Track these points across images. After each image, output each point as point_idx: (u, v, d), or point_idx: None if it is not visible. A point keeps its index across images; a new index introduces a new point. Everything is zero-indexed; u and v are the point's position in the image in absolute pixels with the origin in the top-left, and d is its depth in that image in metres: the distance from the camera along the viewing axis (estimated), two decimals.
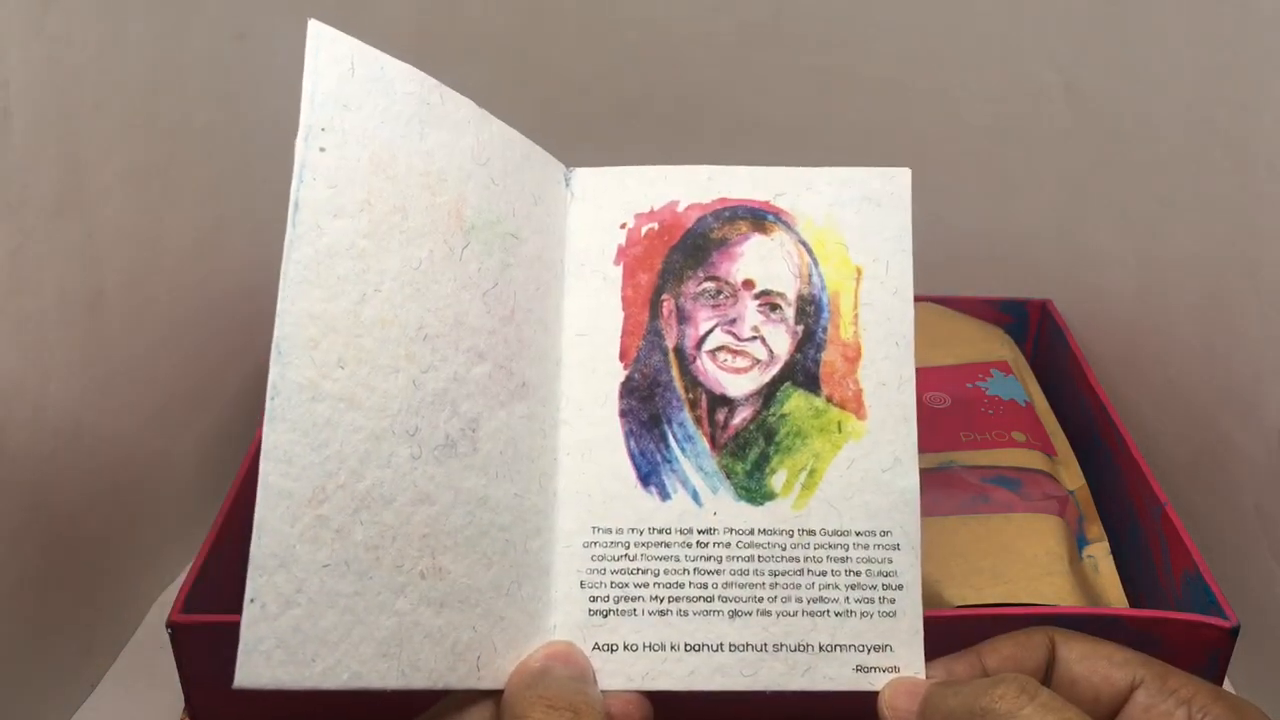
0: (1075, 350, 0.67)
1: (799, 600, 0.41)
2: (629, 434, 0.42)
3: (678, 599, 0.41)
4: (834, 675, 0.41)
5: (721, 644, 0.40)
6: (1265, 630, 0.56)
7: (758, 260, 0.44)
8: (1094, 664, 0.39)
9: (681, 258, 0.44)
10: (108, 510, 0.58)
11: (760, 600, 0.41)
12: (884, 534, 0.42)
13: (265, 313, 0.35)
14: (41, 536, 0.53)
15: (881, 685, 0.40)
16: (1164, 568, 0.53)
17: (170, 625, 0.45)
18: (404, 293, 0.38)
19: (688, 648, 0.40)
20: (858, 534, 0.42)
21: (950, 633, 0.41)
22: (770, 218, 0.45)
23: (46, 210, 0.51)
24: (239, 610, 0.34)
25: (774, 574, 0.41)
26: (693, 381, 0.43)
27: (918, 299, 0.44)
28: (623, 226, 0.45)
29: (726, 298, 0.44)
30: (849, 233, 0.44)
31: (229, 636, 0.34)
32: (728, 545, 0.41)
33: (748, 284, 0.44)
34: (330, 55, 0.37)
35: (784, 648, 0.41)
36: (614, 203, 0.45)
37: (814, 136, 0.75)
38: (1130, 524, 0.57)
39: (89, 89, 0.53)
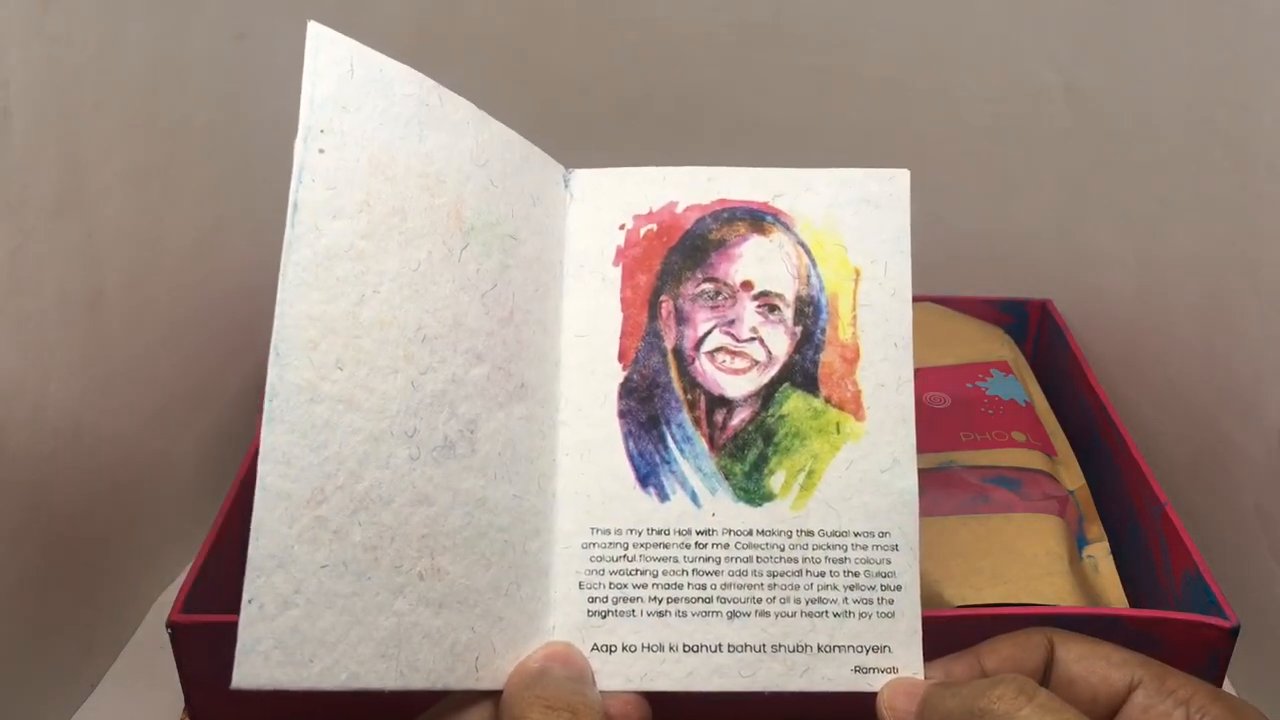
0: (1075, 350, 0.67)
1: (797, 601, 0.41)
2: (628, 435, 0.42)
3: (676, 600, 0.41)
4: (832, 676, 0.41)
5: (720, 645, 0.41)
6: (1265, 630, 0.56)
7: (756, 261, 0.44)
8: (1092, 664, 0.39)
9: (680, 259, 0.44)
10: (108, 510, 0.58)
11: (759, 601, 0.41)
12: (882, 535, 0.42)
13: (265, 313, 0.35)
14: (41, 536, 0.53)
15: (880, 686, 0.40)
16: (1164, 568, 0.53)
17: (170, 625, 0.45)
18: (403, 294, 0.38)
19: (686, 648, 0.40)
20: (856, 535, 0.42)
21: (950, 633, 0.41)
22: (769, 219, 0.45)
23: (46, 210, 0.51)
24: (239, 610, 0.34)
25: (772, 575, 0.41)
26: (691, 382, 0.43)
27: (917, 299, 0.44)
28: (621, 228, 0.45)
29: (725, 299, 0.44)
30: (848, 234, 0.44)
31: (229, 636, 0.34)
32: (726, 546, 0.41)
33: (746, 285, 0.44)
34: (329, 57, 0.37)
35: (782, 648, 0.41)
36: (613, 204, 0.45)
37: (814, 136, 0.75)
38: (1130, 524, 0.57)
39: (89, 89, 0.53)
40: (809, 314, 0.44)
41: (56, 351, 0.53)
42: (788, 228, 0.44)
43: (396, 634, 0.36)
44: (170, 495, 0.64)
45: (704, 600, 0.41)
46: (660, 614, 0.41)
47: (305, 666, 0.34)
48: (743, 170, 0.45)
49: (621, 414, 0.43)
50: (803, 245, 0.44)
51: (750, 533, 0.41)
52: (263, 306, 0.36)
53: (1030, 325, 0.74)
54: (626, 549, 0.41)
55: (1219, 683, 0.46)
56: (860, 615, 0.41)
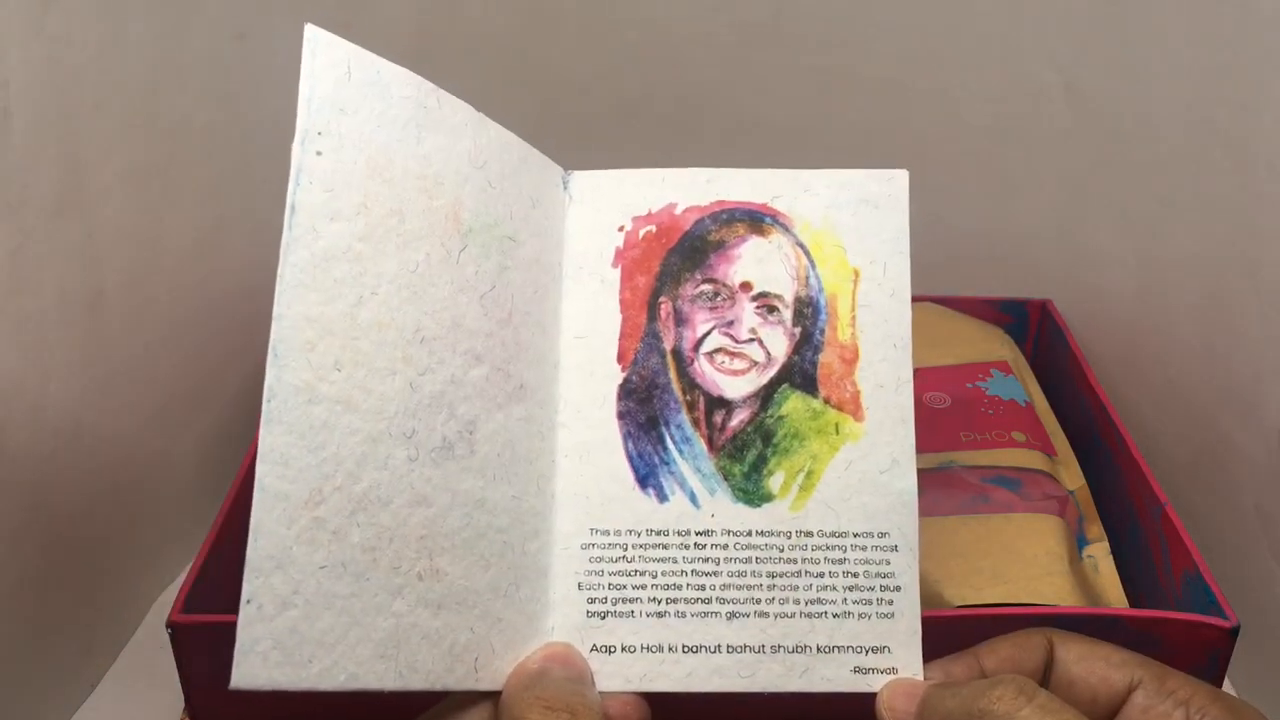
0: (1075, 350, 0.67)
1: (797, 602, 0.41)
2: (627, 436, 0.42)
3: (675, 600, 0.41)
4: (832, 676, 0.41)
5: (719, 645, 0.41)
6: (1265, 630, 0.56)
7: (755, 262, 0.44)
8: (1092, 665, 0.39)
9: (679, 260, 0.44)
10: (108, 510, 0.58)
11: (758, 602, 0.41)
12: (882, 535, 0.42)
13: (265, 313, 0.35)
14: (41, 536, 0.53)
15: (879, 687, 0.40)
16: (1164, 568, 0.53)
17: (170, 625, 0.45)
18: (401, 295, 0.38)
19: (685, 649, 0.40)
20: (855, 535, 0.42)
21: (950, 633, 0.41)
22: (768, 220, 0.45)
23: (46, 210, 0.51)
24: (238, 610, 0.34)
25: (771, 575, 0.41)
26: (690, 384, 0.43)
27: (917, 299, 0.44)
28: (620, 229, 0.45)
29: (724, 300, 0.44)
30: (847, 235, 0.44)
31: (228, 636, 0.34)
32: (725, 547, 0.41)
33: (745, 286, 0.44)
34: (327, 59, 0.37)
35: (782, 649, 0.41)
36: (612, 205, 0.45)
37: (814, 136, 0.75)
38: (1130, 524, 0.57)
39: (89, 89, 0.53)
40: (808, 315, 0.44)
41: (56, 351, 0.53)
42: (786, 229, 0.44)
43: (395, 635, 0.36)
44: (170, 495, 0.64)
45: (703, 601, 0.41)
46: (659, 615, 0.41)
47: (304, 667, 0.34)
48: (741, 171, 0.45)
49: (620, 415, 0.43)
50: (801, 246, 0.44)
51: (749, 533, 0.41)
52: (263, 306, 0.36)
53: (1030, 325, 0.74)
54: (625, 550, 0.41)
55: (1219, 683, 0.46)
56: (859, 616, 0.41)
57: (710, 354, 0.43)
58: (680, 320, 0.44)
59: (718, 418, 0.43)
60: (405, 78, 0.39)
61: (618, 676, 0.40)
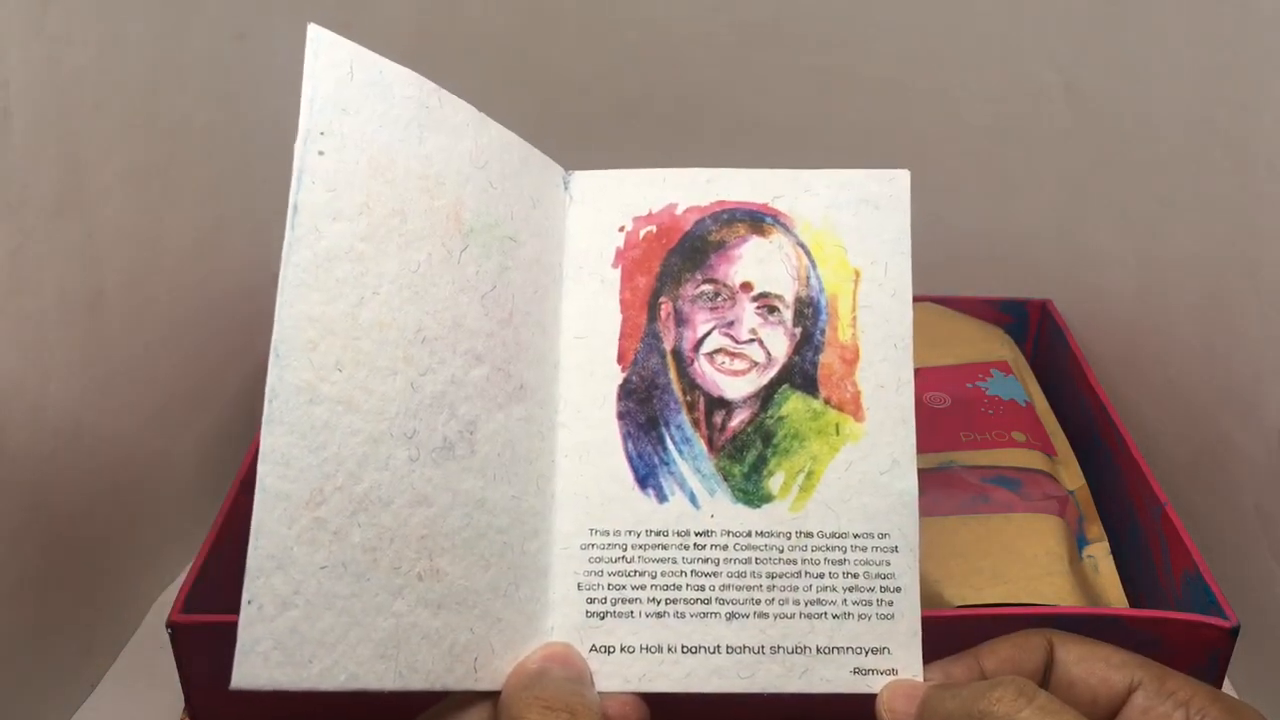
0: (1075, 350, 0.67)
1: (796, 602, 0.41)
2: (627, 436, 0.42)
3: (675, 601, 0.41)
4: (831, 677, 0.41)
5: (719, 646, 0.41)
6: (1265, 630, 0.56)
7: (756, 263, 0.44)
8: (1092, 666, 0.39)
9: (679, 260, 0.44)
10: (108, 510, 0.58)
11: (758, 602, 0.41)
12: (882, 536, 0.42)
13: (265, 313, 0.35)
14: (41, 536, 0.53)
15: (879, 688, 0.40)
16: (1164, 568, 0.53)
17: (170, 625, 0.45)
18: (402, 295, 0.38)
19: (685, 649, 0.40)
20: (855, 536, 0.42)
21: (950, 633, 0.41)
22: (768, 220, 0.45)
23: (46, 210, 0.51)
24: (239, 610, 0.34)
25: (771, 576, 0.41)
26: (690, 384, 0.43)
27: (917, 299, 0.44)
28: (621, 229, 0.45)
29: (724, 300, 0.44)
30: (847, 235, 0.44)
31: (229, 637, 0.34)
32: (725, 547, 0.41)
33: (746, 286, 0.44)
34: (329, 59, 0.37)
35: (781, 650, 0.41)
36: (612, 205, 0.45)
37: (814, 136, 0.75)
38: (1130, 524, 0.57)
39: (89, 89, 0.53)
40: (808, 315, 0.44)
41: (56, 351, 0.53)
42: (787, 229, 0.44)
43: (395, 635, 0.36)
44: (170, 495, 0.64)
45: (703, 601, 0.41)
46: (659, 615, 0.41)
47: (304, 667, 0.34)
48: (742, 171, 0.45)
49: (620, 415, 0.43)
50: (802, 246, 0.44)
51: (749, 534, 0.41)
52: (263, 306, 0.36)
53: (1030, 325, 0.74)
54: (625, 550, 0.41)
55: (1219, 683, 0.46)
56: (859, 617, 0.41)
57: (710, 354, 0.43)
58: (680, 320, 0.44)
59: (718, 418, 0.43)
60: (407, 78, 0.39)
61: (617, 677, 0.40)
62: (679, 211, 0.45)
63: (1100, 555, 0.57)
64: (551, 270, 0.44)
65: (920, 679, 0.40)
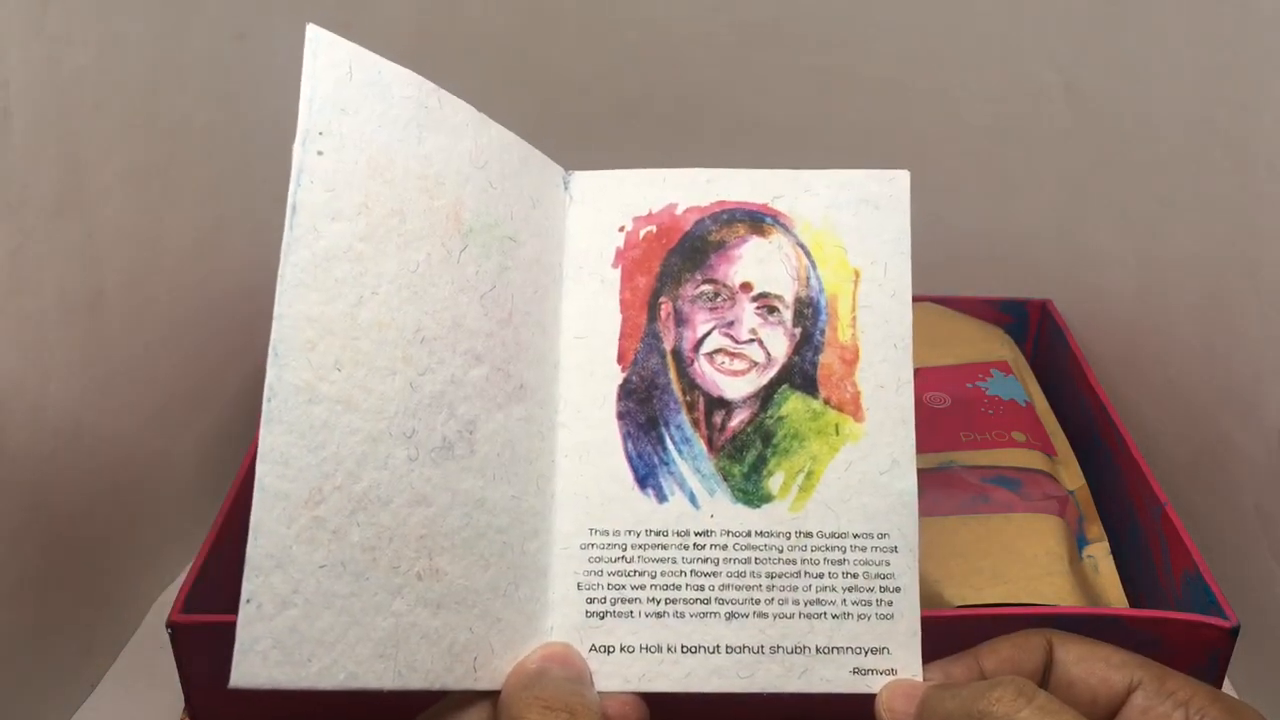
0: (1075, 350, 0.67)
1: (796, 602, 0.41)
2: (626, 436, 0.42)
3: (675, 601, 0.41)
4: (831, 677, 0.41)
5: (718, 646, 0.41)
6: (1265, 630, 0.56)
7: (755, 263, 0.44)
8: (1091, 666, 0.39)
9: (679, 260, 0.44)
10: (108, 510, 0.58)
11: (757, 602, 0.41)
12: (881, 536, 0.42)
13: (265, 313, 0.35)
14: (41, 536, 0.53)
15: (879, 688, 0.40)
16: (1164, 568, 0.53)
17: (170, 625, 0.45)
18: (401, 295, 0.38)
19: (684, 649, 0.40)
20: (855, 536, 0.42)
21: (950, 633, 0.41)
22: (768, 220, 0.45)
23: (46, 210, 0.51)
24: (238, 610, 0.34)
25: (771, 576, 0.41)
26: (690, 384, 0.43)
27: (917, 299, 0.44)
28: (621, 229, 0.45)
29: (724, 300, 0.44)
30: (847, 235, 0.44)
31: (229, 636, 0.34)
32: (725, 547, 0.41)
33: (745, 286, 0.44)
34: (328, 59, 0.37)
35: (781, 650, 0.41)
36: (612, 206, 0.45)
37: (814, 136, 0.75)
38: (1130, 524, 0.57)
39: (89, 89, 0.53)
40: (808, 315, 0.44)
41: (56, 351, 0.53)
42: (787, 229, 0.44)
43: (394, 634, 0.36)
44: (170, 495, 0.64)
45: (702, 601, 0.41)
46: (658, 615, 0.41)
47: (303, 666, 0.34)
48: (742, 172, 0.45)
49: (620, 415, 0.43)
50: (802, 247, 0.44)
51: (749, 534, 0.41)
52: (263, 306, 0.36)
53: (1030, 325, 0.74)
54: (625, 550, 0.41)
55: (1219, 683, 0.46)
56: (859, 617, 0.41)
57: (710, 354, 0.43)
58: (680, 320, 0.44)
59: (717, 418, 0.43)
60: (406, 78, 0.39)
61: (616, 676, 0.40)
62: (679, 211, 0.45)
63: (1100, 555, 0.57)
64: (551, 270, 0.44)
65: (920, 679, 0.40)
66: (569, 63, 0.75)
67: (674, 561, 0.41)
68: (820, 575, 0.41)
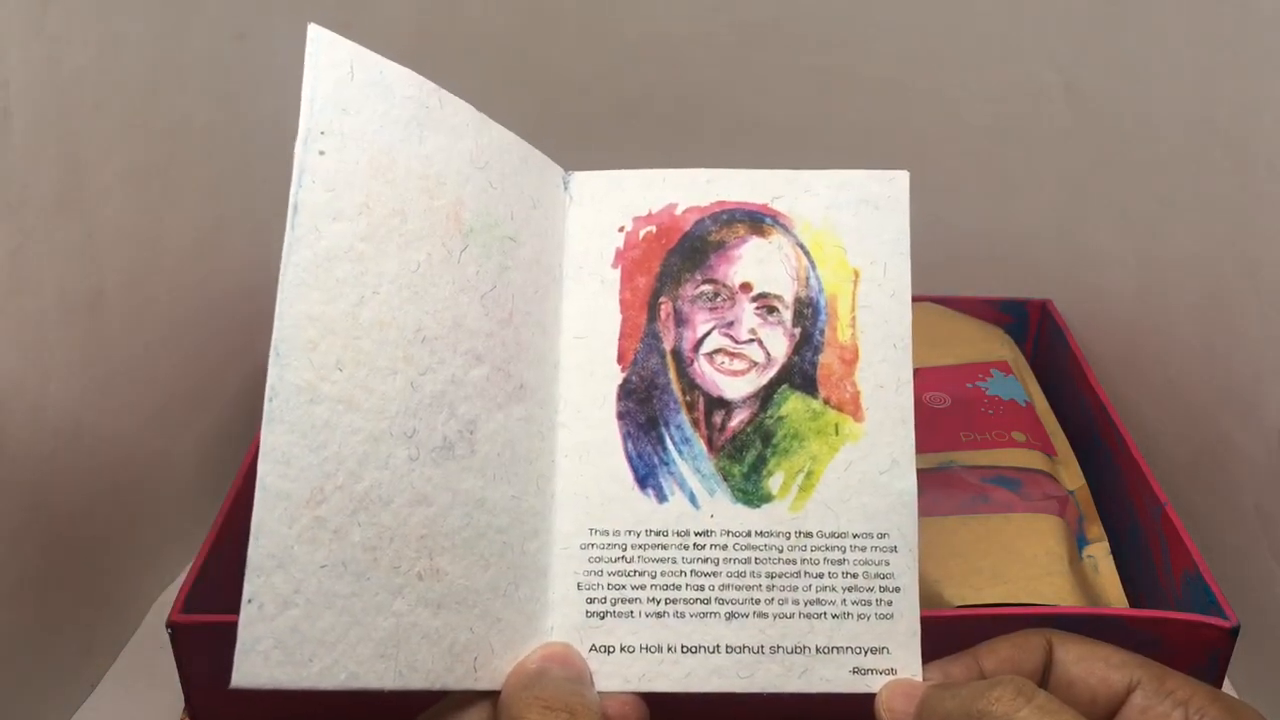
0: (1075, 350, 0.67)
1: (796, 602, 0.41)
2: (626, 436, 0.42)
3: (675, 601, 0.41)
4: (830, 677, 0.41)
5: (718, 646, 0.41)
6: (1265, 630, 0.56)
7: (755, 263, 0.44)
8: (1091, 666, 0.39)
9: (679, 260, 0.44)
10: (108, 510, 0.58)
11: (757, 602, 0.41)
12: (881, 536, 0.42)
13: (265, 313, 0.35)
14: (41, 536, 0.53)
15: (878, 687, 0.40)
16: (1164, 568, 0.53)
17: (170, 625, 0.45)
18: (402, 295, 0.38)
19: (684, 649, 0.40)
20: (855, 536, 0.42)
21: (949, 633, 0.41)
22: (768, 220, 0.45)
23: (46, 210, 0.51)
24: (239, 610, 0.34)
25: (771, 576, 0.41)
26: (690, 384, 0.43)
27: (917, 299, 0.44)
28: (621, 230, 0.45)
29: (724, 300, 0.44)
30: (847, 235, 0.44)
31: (229, 636, 0.34)
32: (725, 547, 0.41)
33: (745, 287, 0.44)
34: (329, 59, 0.37)
35: (781, 649, 0.41)
36: (612, 206, 0.45)
37: (814, 136, 0.75)
38: (1130, 524, 0.57)
39: (89, 89, 0.53)
40: (808, 315, 0.44)
41: (56, 351, 0.53)
42: (787, 229, 0.44)
43: (395, 634, 0.36)
44: (170, 495, 0.64)
45: (702, 601, 0.41)
46: (658, 615, 0.41)
47: (304, 666, 0.34)
48: (741, 172, 0.45)
49: (620, 415, 0.43)
50: (802, 247, 0.44)
51: (749, 534, 0.41)
52: (263, 306, 0.36)
53: (1030, 325, 0.74)
54: (625, 550, 0.41)
55: (1219, 683, 0.46)
56: (859, 616, 0.41)
57: (710, 354, 0.43)
58: (680, 321, 0.44)
59: (717, 418, 0.43)
60: (407, 78, 0.39)
61: (616, 677, 0.40)
62: (679, 212, 0.45)
63: (1100, 555, 0.57)
64: (551, 270, 0.44)
65: (919, 679, 0.40)
66: (569, 63, 0.75)
67: (674, 561, 0.41)
68: (820, 575, 0.41)
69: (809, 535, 0.42)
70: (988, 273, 0.77)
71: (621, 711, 0.39)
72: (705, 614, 0.41)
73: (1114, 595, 0.55)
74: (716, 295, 0.44)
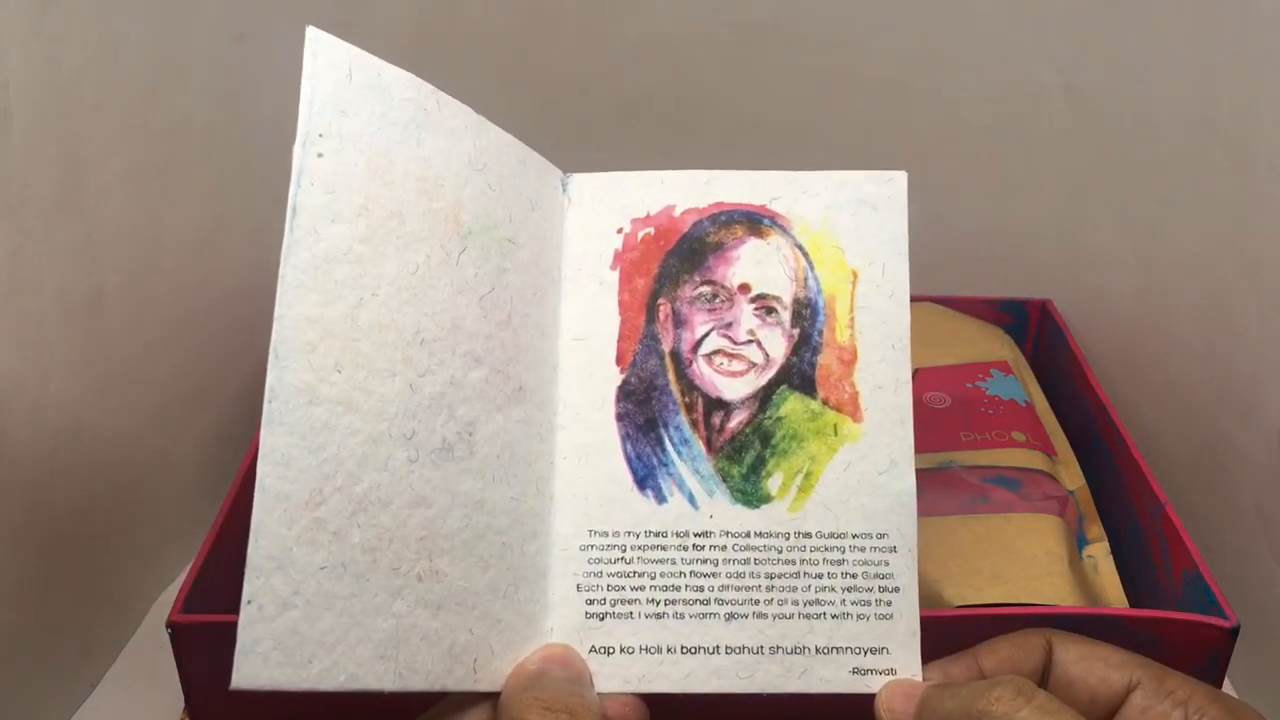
0: (1075, 350, 0.67)
1: (795, 603, 0.41)
2: (625, 438, 0.42)
3: (674, 602, 0.41)
4: (830, 678, 0.41)
5: (718, 646, 0.41)
6: (1265, 630, 0.56)
7: (754, 264, 0.44)
8: (1091, 665, 0.39)
9: (678, 262, 0.44)
10: (108, 510, 0.58)
11: (756, 603, 0.41)
12: (880, 536, 0.42)
13: (265, 313, 0.36)
14: (41, 536, 0.53)
15: (878, 688, 0.40)
16: (1164, 568, 0.53)
17: (170, 625, 0.45)
18: (401, 297, 0.38)
19: (684, 650, 0.40)
20: (854, 536, 0.42)
21: (949, 633, 0.41)
22: (766, 221, 0.45)
23: (46, 210, 0.51)
24: (238, 611, 0.34)
25: (770, 576, 0.41)
26: (689, 385, 0.43)
27: (917, 299, 0.44)
28: (619, 231, 0.45)
29: (722, 301, 0.44)
30: (845, 236, 0.44)
31: (229, 637, 0.34)
32: (724, 548, 0.41)
33: (744, 288, 0.44)
34: (328, 61, 0.37)
35: (780, 650, 0.41)
36: (611, 208, 0.45)
37: (814, 137, 0.75)
38: (1130, 524, 0.57)
39: (89, 89, 0.53)
40: (806, 316, 0.44)
41: (56, 351, 0.53)
42: (785, 230, 0.44)
43: (395, 635, 0.36)
44: (170, 495, 0.64)
45: (702, 602, 0.41)
46: (658, 616, 0.41)
47: (304, 667, 0.34)
48: (740, 173, 0.45)
49: (619, 417, 0.43)
50: (800, 248, 0.44)
51: (748, 534, 0.41)
52: (263, 307, 0.36)
53: (1030, 325, 0.74)
54: (624, 551, 0.41)
55: (1219, 683, 0.46)
56: (858, 617, 0.41)
57: (709, 355, 0.43)
58: (679, 322, 0.44)
59: (716, 419, 0.43)
60: (406, 80, 0.39)
61: (616, 678, 0.40)
62: (677, 213, 0.45)
63: (1100, 555, 0.57)
64: (550, 272, 0.44)
65: (919, 679, 0.40)
66: (569, 63, 0.75)
67: (673, 562, 0.41)
68: (819, 575, 0.41)
69: (808, 536, 0.42)
70: (988, 273, 0.77)
71: (621, 712, 0.40)
72: (705, 615, 0.41)
73: (1114, 595, 0.55)
74: (715, 296, 0.44)
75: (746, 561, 0.41)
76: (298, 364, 0.35)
